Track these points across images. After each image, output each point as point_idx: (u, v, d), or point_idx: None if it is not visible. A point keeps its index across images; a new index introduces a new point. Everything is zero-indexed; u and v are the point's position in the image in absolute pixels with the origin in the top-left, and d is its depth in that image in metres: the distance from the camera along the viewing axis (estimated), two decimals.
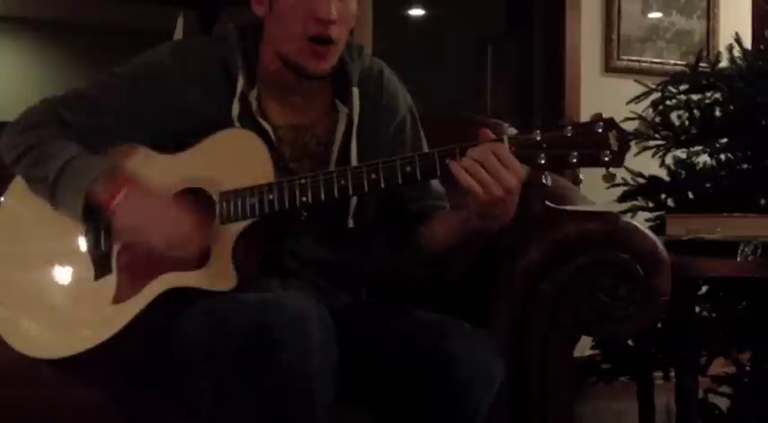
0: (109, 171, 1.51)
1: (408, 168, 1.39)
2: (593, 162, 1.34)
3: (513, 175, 1.34)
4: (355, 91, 1.59)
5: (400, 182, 1.40)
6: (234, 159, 1.50)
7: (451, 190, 1.43)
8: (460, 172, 1.35)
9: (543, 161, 1.35)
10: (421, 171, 1.39)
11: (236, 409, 1.29)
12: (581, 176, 1.38)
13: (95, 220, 1.53)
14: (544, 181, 1.37)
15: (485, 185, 1.34)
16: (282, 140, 1.58)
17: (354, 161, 1.56)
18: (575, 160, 1.34)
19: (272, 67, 1.57)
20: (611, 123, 1.35)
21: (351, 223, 1.57)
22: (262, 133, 1.53)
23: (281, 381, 1.26)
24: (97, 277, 1.53)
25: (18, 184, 1.62)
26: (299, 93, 1.60)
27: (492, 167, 1.34)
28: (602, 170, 1.36)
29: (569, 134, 1.34)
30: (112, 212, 1.48)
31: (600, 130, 1.34)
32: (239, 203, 1.46)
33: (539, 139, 1.36)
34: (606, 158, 1.34)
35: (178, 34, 3.00)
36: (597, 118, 1.36)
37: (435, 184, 1.66)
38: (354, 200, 1.57)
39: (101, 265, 1.53)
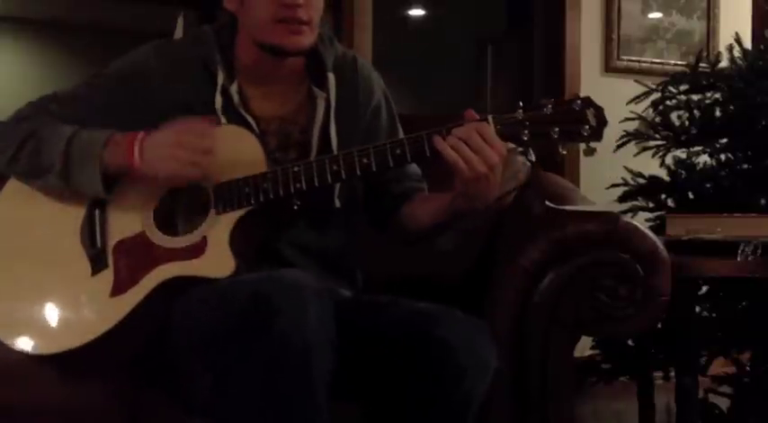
0: (113, 136, 1.51)
1: (398, 151, 1.45)
2: (574, 137, 1.42)
3: (495, 151, 1.40)
4: (331, 76, 1.64)
5: (391, 164, 1.46)
6: (227, 154, 1.52)
7: (438, 173, 1.48)
8: (446, 148, 1.41)
9: (526, 137, 1.42)
10: (410, 152, 1.45)
11: (234, 385, 1.30)
12: (563, 151, 1.44)
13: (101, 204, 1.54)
14: (529, 157, 1.44)
15: (468, 161, 1.40)
16: (267, 132, 1.61)
17: (335, 144, 1.60)
18: (556, 135, 1.41)
19: (249, 60, 1.62)
20: (588, 101, 1.43)
21: (337, 203, 1.61)
22: (245, 126, 1.57)
23: (278, 349, 1.27)
24: (94, 273, 1.54)
25: (9, 187, 1.63)
26: (279, 83, 1.64)
27: (476, 144, 1.40)
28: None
29: (549, 112, 1.42)
30: (137, 161, 1.48)
31: (578, 108, 1.42)
32: (235, 193, 1.49)
33: (521, 117, 1.42)
34: (586, 133, 1.41)
35: (178, 34, 2.99)
36: (575, 96, 1.43)
37: (414, 166, 1.72)
38: None
39: (97, 261, 1.54)
